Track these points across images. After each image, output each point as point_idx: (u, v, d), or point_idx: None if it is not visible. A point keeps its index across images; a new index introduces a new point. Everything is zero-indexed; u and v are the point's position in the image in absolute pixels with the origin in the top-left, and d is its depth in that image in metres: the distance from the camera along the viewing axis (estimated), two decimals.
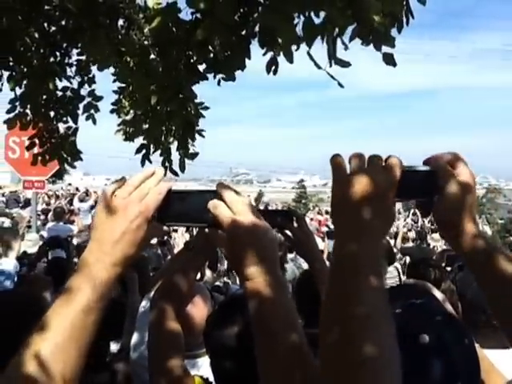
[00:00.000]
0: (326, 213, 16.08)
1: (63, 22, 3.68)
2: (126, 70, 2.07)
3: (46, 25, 3.60)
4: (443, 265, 7.56)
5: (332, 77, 1.85)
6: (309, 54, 1.77)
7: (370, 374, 0.67)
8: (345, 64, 1.85)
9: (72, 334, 0.76)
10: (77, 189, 14.02)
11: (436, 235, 11.02)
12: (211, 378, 1.65)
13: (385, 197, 0.76)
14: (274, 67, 2.13)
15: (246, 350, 1.35)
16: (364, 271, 0.73)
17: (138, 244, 0.84)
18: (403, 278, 5.75)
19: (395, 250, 8.20)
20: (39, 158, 3.38)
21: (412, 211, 19.94)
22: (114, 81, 3.92)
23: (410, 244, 10.17)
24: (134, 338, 2.02)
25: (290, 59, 2.26)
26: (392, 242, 9.11)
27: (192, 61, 1.99)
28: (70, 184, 15.40)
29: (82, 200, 10.50)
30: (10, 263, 2.47)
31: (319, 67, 1.82)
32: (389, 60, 1.90)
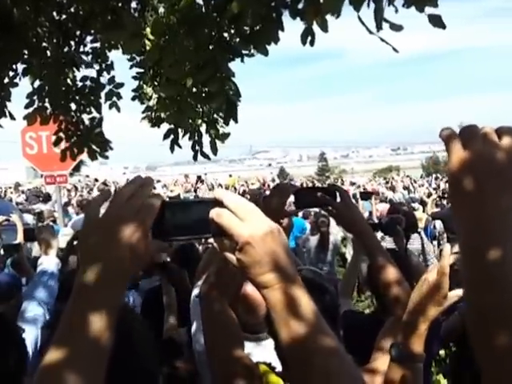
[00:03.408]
0: (351, 184, 16.01)
1: (72, 9, 3.56)
2: (155, 51, 1.95)
3: (55, 13, 3.48)
4: None
5: (385, 41, 1.71)
6: (359, 17, 1.64)
7: None
8: (397, 27, 1.71)
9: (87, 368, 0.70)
10: (96, 180, 14.04)
11: None
12: (274, 362, 1.60)
13: (507, 173, 0.69)
14: (310, 38, 2.00)
15: None
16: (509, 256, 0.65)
17: (138, 263, 0.75)
18: (427, 245, 5.69)
19: (426, 216, 8.12)
20: (67, 152, 3.30)
21: (434, 176, 19.68)
22: (131, 67, 3.81)
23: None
24: (193, 328, 1.97)
25: (324, 28, 2.13)
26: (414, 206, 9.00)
27: (225, 37, 1.87)
28: (87, 176, 15.35)
29: (101, 190, 10.49)
30: (51, 262, 2.41)
31: (371, 32, 1.68)
32: (436, 22, 1.74)
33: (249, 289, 1.96)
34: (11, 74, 3.08)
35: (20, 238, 5.12)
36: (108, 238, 0.72)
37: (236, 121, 2.09)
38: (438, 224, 8.05)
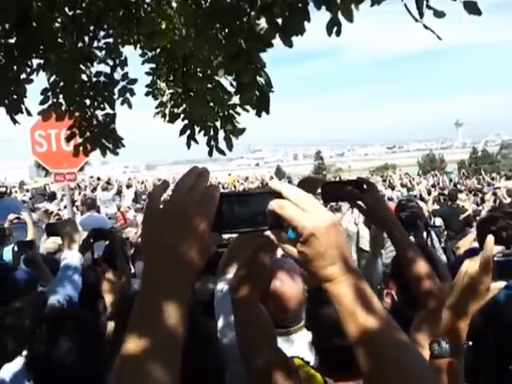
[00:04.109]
0: None
1: (83, 4, 3.54)
2: (184, 42, 1.93)
3: (67, 9, 3.47)
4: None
5: (429, 29, 1.69)
6: (405, 5, 1.63)
7: None
8: (440, 14, 1.70)
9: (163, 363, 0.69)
10: (98, 178, 14.05)
11: (462, 195, 10.86)
12: (307, 357, 1.59)
13: None
14: (336, 28, 1.99)
15: None
16: None
17: (204, 256, 0.73)
18: (435, 241, 5.68)
19: (427, 214, 8.12)
20: (80, 148, 3.29)
21: (433, 173, 19.74)
22: (143, 62, 3.80)
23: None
24: (220, 322, 1.96)
25: (350, 18, 2.12)
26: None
27: (255, 27, 1.85)
28: (91, 177, 15.35)
29: (104, 189, 10.50)
30: (75, 256, 2.40)
31: (416, 19, 1.67)
32: (472, 9, 1.72)
33: (278, 283, 1.95)
34: (27, 70, 3.06)
35: (30, 236, 5.13)
36: (175, 229, 0.70)
37: (268, 112, 2.08)
38: (439, 221, 8.07)
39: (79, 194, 10.86)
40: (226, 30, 1.82)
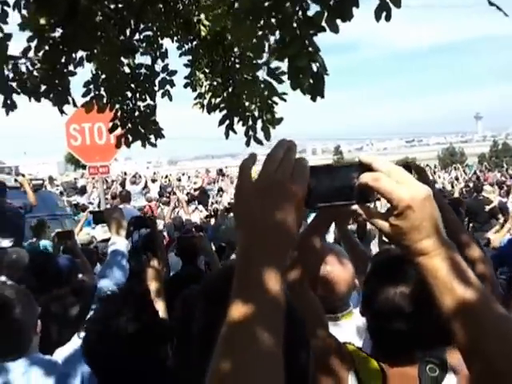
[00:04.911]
0: None
1: None
2: (241, 28, 1.94)
3: (106, 2, 3.53)
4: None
5: (497, 6, 1.68)
6: None
7: None
8: None
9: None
10: (125, 173, 14.26)
11: (487, 187, 10.69)
12: (356, 343, 1.59)
13: None
14: (385, 13, 1.98)
15: (418, 310, 1.28)
16: None
17: (299, 227, 0.71)
18: None
19: None
20: (122, 139, 3.36)
21: (455, 166, 19.42)
22: (181, 55, 3.86)
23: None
24: None
25: (397, 4, 2.10)
26: None
27: (307, 12, 1.86)
28: (125, 173, 15.58)
29: (133, 183, 10.68)
30: (123, 242, 2.44)
31: (491, 4, 1.65)
32: None
33: (328, 268, 1.95)
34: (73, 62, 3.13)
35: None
36: (271, 201, 0.69)
37: (323, 96, 2.08)
38: None
39: (107, 188, 11.05)
40: (281, 15, 1.82)
